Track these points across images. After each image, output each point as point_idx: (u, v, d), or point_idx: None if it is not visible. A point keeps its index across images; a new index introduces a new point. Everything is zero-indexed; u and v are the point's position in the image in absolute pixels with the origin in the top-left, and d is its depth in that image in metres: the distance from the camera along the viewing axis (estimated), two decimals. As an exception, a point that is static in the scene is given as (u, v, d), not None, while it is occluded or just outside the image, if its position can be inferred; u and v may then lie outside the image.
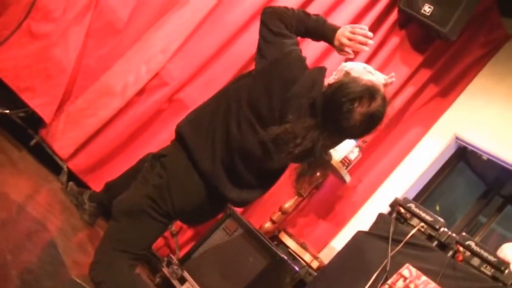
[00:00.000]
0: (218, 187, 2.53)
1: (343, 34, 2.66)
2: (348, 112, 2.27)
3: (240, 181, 2.58)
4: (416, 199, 4.60)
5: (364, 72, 2.46)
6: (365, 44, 2.65)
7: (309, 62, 3.47)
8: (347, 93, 2.28)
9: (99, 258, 2.47)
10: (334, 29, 2.69)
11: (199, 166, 2.50)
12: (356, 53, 3.07)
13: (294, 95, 2.40)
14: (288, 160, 2.41)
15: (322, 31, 2.71)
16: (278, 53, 2.48)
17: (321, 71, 2.52)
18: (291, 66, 2.47)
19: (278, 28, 2.54)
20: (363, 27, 2.67)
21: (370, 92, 2.30)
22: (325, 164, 2.47)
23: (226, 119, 2.51)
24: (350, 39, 2.64)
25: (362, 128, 2.36)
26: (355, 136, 2.62)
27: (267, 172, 2.64)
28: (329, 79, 2.47)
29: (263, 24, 2.58)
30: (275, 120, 2.40)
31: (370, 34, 2.65)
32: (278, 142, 2.34)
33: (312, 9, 3.99)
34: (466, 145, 4.53)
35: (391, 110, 2.43)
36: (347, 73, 2.44)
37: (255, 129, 2.44)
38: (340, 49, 2.71)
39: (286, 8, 2.64)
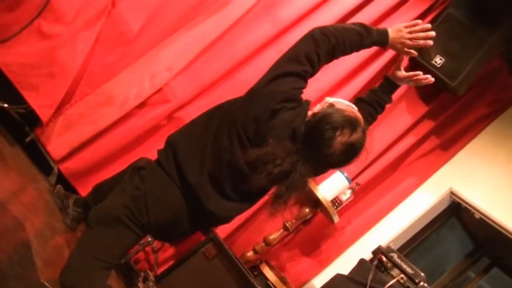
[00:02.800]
0: (201, 199, 2.54)
1: (402, 36, 2.75)
2: (330, 139, 2.35)
3: (224, 195, 2.60)
4: (403, 248, 4.56)
5: (347, 106, 2.53)
6: (429, 37, 2.76)
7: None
8: (330, 121, 2.36)
9: (71, 263, 2.48)
10: (384, 33, 2.76)
11: (186, 177, 2.51)
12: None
13: (277, 125, 2.44)
14: (267, 181, 2.39)
15: (374, 43, 2.78)
16: (277, 89, 2.50)
17: (306, 104, 2.55)
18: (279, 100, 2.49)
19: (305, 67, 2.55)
20: (418, 22, 2.76)
21: (352, 123, 2.38)
22: (301, 188, 2.46)
23: (218, 133, 2.55)
24: (411, 39, 2.72)
25: (341, 157, 2.41)
26: (333, 164, 2.61)
27: (250, 190, 2.64)
28: (313, 109, 2.51)
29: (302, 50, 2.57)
30: (258, 144, 2.42)
31: (428, 25, 2.74)
32: (257, 164, 2.36)
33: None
34: (460, 201, 4.49)
35: (370, 143, 2.50)
36: (331, 105, 2.50)
37: (245, 147, 2.48)
38: (403, 51, 2.80)
39: (335, 37, 2.62)
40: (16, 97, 3.34)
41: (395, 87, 3.07)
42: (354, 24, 2.75)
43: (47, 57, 3.35)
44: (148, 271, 3.55)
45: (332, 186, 4.02)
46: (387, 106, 3.12)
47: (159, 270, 3.80)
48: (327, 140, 2.35)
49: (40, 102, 3.36)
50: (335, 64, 3.22)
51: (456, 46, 4.04)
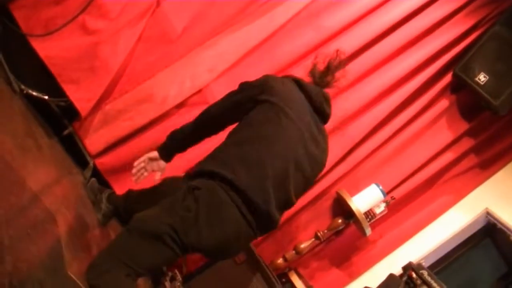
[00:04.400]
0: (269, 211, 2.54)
1: None
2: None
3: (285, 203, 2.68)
4: (434, 266, 4.50)
5: None
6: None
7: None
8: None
9: (100, 262, 2.46)
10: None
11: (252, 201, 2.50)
12: None
13: None
14: None
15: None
16: None
17: None
18: None
19: None
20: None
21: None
22: None
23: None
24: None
25: None
26: None
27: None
28: None
29: None
30: None
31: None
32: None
33: (363, 63, 4.08)
34: (496, 222, 4.41)
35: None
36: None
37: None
38: None
39: None
40: (56, 90, 3.38)
41: None
42: None
43: (89, 52, 3.38)
44: (176, 271, 3.54)
45: (366, 198, 3.98)
46: None
47: (187, 271, 3.80)
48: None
49: (79, 96, 3.39)
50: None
51: (501, 65, 3.98)
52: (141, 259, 2.46)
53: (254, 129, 2.62)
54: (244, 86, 2.82)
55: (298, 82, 2.88)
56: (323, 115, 2.89)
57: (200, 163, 2.71)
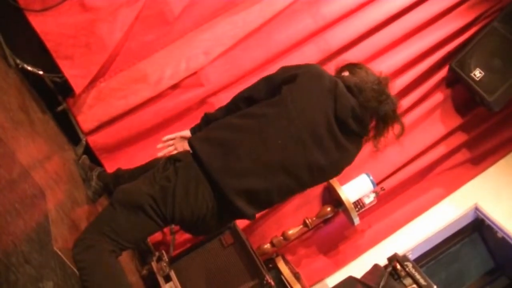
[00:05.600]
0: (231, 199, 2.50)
1: None
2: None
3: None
4: (421, 258, 4.54)
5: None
6: None
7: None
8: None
9: (85, 236, 2.47)
10: None
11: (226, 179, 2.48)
12: None
13: None
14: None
15: None
16: None
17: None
18: None
19: None
20: None
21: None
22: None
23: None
24: None
25: None
26: None
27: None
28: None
29: None
30: None
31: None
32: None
33: (360, 53, 4.08)
34: (484, 218, 4.44)
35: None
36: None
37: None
38: None
39: None
40: (52, 66, 3.39)
41: None
42: None
43: (86, 29, 3.38)
44: (163, 252, 3.56)
45: (356, 188, 3.99)
46: None
47: (175, 252, 3.82)
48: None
49: (74, 73, 3.39)
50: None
51: (497, 62, 3.99)
52: (124, 231, 2.48)
53: (253, 121, 2.55)
54: (280, 69, 2.76)
55: (337, 84, 2.63)
56: (346, 129, 2.61)
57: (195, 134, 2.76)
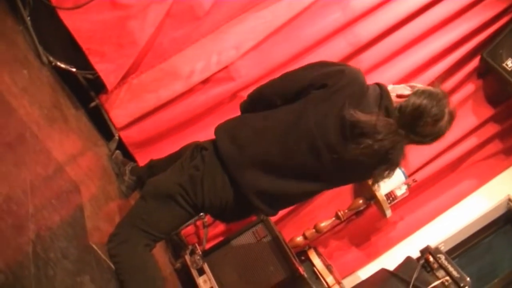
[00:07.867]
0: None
1: None
2: (435, 127, 2.46)
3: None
4: (453, 250, 4.51)
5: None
6: None
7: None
8: (433, 115, 2.43)
9: (119, 231, 2.53)
10: None
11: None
12: None
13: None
14: (362, 153, 2.30)
15: None
16: None
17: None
18: None
19: None
20: None
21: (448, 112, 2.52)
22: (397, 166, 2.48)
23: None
24: None
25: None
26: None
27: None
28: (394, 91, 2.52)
29: None
30: None
31: None
32: (355, 130, 2.32)
33: (390, 45, 4.05)
34: (517, 210, 4.41)
35: None
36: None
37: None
38: None
39: None
40: (84, 63, 3.42)
41: None
42: None
43: (117, 26, 3.41)
44: (196, 245, 3.58)
45: (388, 180, 3.97)
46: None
47: (208, 245, 3.85)
48: (433, 128, 2.43)
49: (106, 69, 3.43)
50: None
51: (529, 51, 3.95)
52: (156, 222, 2.54)
53: (275, 123, 2.50)
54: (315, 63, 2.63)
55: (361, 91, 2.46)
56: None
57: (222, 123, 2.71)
